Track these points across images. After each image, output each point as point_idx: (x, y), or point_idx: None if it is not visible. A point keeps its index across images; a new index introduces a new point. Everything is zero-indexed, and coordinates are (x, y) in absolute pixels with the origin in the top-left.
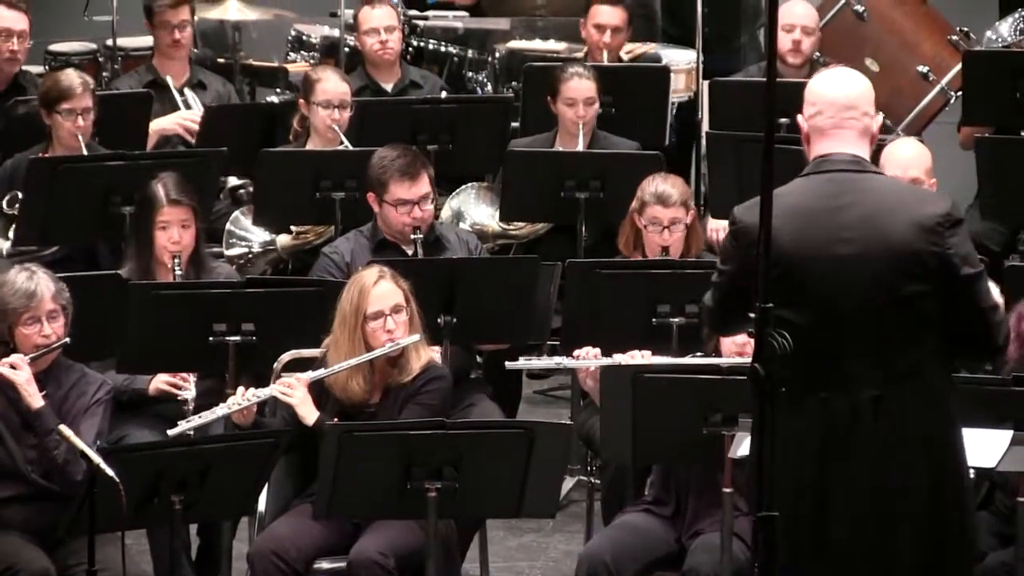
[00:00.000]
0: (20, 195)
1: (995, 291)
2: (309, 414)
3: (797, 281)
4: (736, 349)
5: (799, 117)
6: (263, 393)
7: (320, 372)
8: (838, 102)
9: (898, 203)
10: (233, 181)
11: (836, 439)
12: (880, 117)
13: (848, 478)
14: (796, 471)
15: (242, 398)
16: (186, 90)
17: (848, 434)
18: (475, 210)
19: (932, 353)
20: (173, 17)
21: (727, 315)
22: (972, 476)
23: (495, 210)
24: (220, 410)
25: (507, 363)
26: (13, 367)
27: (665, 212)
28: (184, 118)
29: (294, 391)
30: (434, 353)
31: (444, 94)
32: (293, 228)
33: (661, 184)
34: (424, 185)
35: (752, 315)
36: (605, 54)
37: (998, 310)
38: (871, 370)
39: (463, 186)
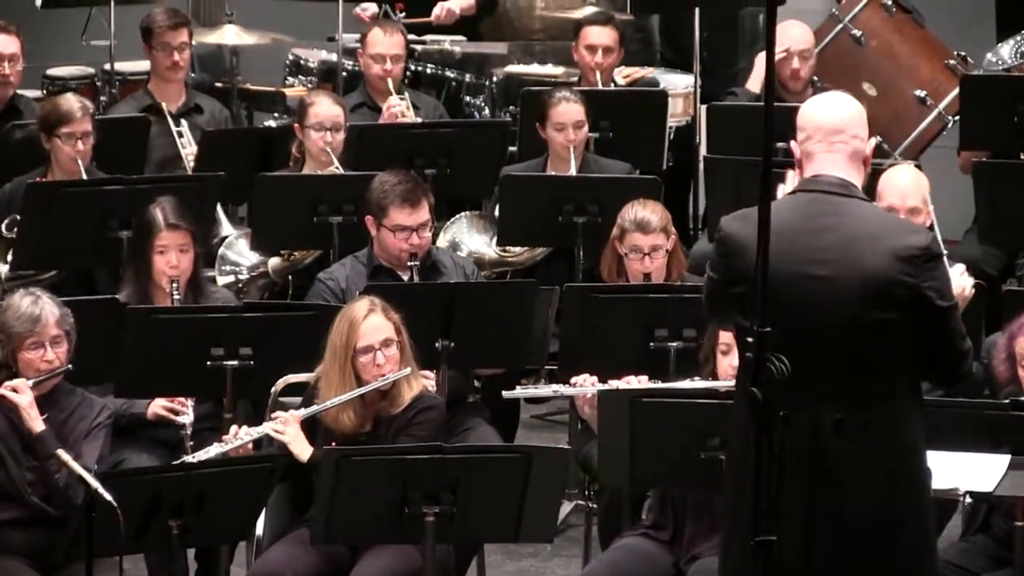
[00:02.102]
0: (18, 219)
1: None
2: (302, 451)
3: (770, 299)
4: (733, 373)
5: (792, 143)
6: (256, 432)
7: (312, 409)
8: (826, 127)
9: (878, 231)
10: (227, 229)
11: (793, 458)
12: (874, 141)
13: (803, 500)
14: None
15: (235, 437)
16: (183, 121)
17: (807, 455)
18: (470, 239)
19: (899, 379)
20: (173, 39)
21: (715, 312)
22: (969, 501)
23: (490, 238)
24: (215, 448)
25: (504, 392)
26: (15, 390)
27: (645, 239)
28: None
29: (286, 428)
30: (427, 381)
31: (439, 102)
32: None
33: (640, 211)
34: (424, 213)
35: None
36: (599, 75)
37: (965, 340)
38: (835, 393)
39: (456, 216)
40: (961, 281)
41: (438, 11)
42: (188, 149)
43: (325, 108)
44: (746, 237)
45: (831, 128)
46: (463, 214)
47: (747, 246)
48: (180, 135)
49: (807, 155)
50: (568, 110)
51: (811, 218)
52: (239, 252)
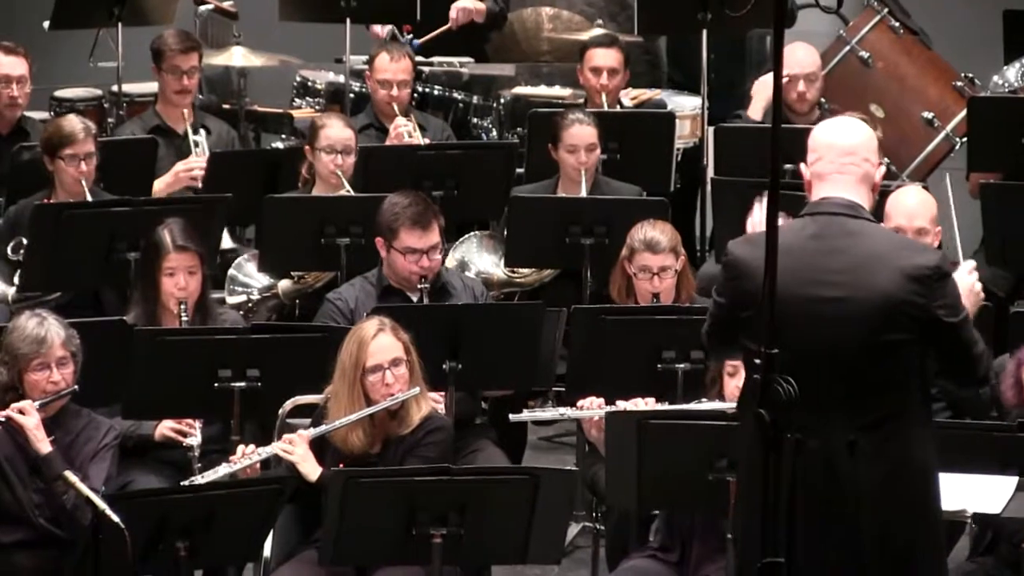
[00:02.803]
0: (24, 241)
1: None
2: (311, 471)
3: (779, 321)
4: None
5: (802, 165)
6: (265, 451)
7: (321, 429)
8: (837, 147)
9: (887, 252)
10: (226, 243)
11: (807, 482)
12: (884, 166)
13: (817, 523)
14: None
15: (243, 456)
16: (201, 131)
17: (820, 478)
18: (479, 259)
19: (910, 397)
20: (183, 63)
21: (719, 341)
22: (974, 526)
23: (499, 258)
24: (223, 468)
25: (511, 415)
26: (22, 412)
27: (654, 259)
28: (186, 167)
29: (295, 448)
30: (435, 403)
31: (446, 124)
32: (293, 272)
33: (650, 231)
34: (434, 235)
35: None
36: (604, 97)
37: (978, 345)
38: (848, 414)
39: (466, 235)
40: (970, 279)
41: (454, 14)
42: (204, 157)
43: (337, 131)
44: (754, 260)
45: (842, 149)
46: (473, 233)
47: (755, 269)
48: (196, 144)
49: (817, 176)
50: (581, 132)
51: (820, 239)
52: (248, 274)
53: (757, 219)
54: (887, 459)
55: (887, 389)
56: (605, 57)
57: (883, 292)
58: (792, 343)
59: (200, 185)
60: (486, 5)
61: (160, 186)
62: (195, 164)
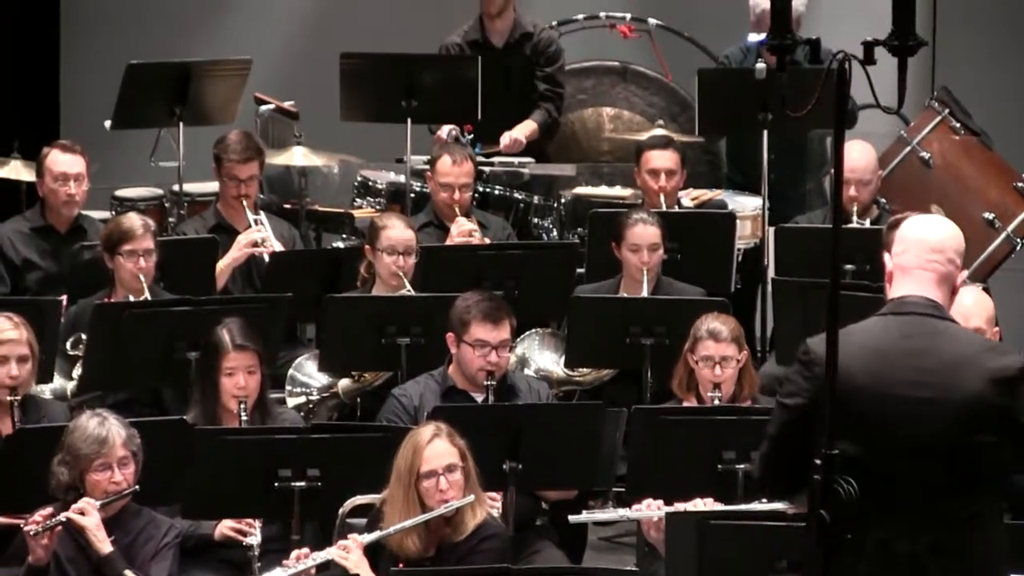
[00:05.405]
0: (84, 336)
1: None
2: None
3: (869, 419)
4: None
5: (885, 256)
6: (321, 556)
7: (376, 535)
8: (926, 242)
9: (974, 354)
10: None
11: None
12: (965, 274)
13: None
14: None
15: (297, 561)
16: (261, 212)
17: None
18: (539, 356)
19: (993, 498)
20: (241, 172)
21: (785, 461)
22: None
23: (559, 356)
24: (278, 572)
25: (570, 516)
26: (82, 512)
27: (716, 348)
28: (247, 238)
29: (349, 555)
30: (492, 508)
31: (507, 222)
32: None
33: (713, 321)
34: (505, 331)
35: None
36: (663, 198)
37: None
38: (933, 515)
39: (527, 332)
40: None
41: (506, 140)
42: (265, 233)
43: (398, 232)
44: (839, 358)
45: (931, 246)
46: (535, 331)
47: (841, 367)
48: (257, 223)
49: (900, 268)
50: (644, 232)
51: (907, 338)
52: (308, 373)
53: None
54: (972, 558)
55: (972, 489)
56: (661, 159)
57: (971, 394)
58: (883, 443)
59: (267, 257)
60: (537, 121)
61: (225, 262)
62: (256, 233)
